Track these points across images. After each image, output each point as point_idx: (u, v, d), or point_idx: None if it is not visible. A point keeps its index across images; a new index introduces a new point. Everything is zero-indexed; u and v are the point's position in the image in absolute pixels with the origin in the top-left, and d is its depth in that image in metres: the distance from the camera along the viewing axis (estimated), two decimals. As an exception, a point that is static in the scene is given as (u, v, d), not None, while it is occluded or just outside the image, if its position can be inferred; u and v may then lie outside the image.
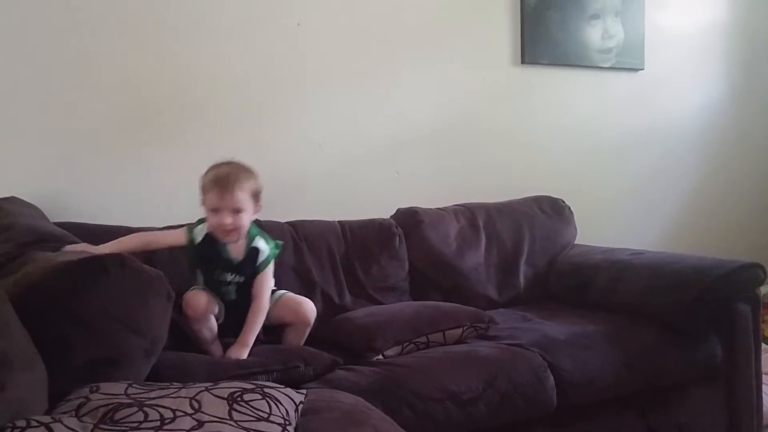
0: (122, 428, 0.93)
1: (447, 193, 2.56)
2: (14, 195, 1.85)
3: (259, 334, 1.75)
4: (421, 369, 1.66)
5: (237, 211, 1.68)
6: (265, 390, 1.12)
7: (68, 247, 1.56)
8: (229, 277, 1.74)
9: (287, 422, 1.07)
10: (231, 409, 1.03)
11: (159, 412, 0.96)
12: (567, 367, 1.79)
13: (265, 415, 1.05)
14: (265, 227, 1.90)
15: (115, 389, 1.04)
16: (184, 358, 1.55)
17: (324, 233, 2.18)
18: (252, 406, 1.05)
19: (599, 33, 2.90)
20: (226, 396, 1.06)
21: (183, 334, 1.68)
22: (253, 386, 1.12)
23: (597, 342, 1.90)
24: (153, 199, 2.14)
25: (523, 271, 2.43)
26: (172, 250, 1.86)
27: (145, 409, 0.97)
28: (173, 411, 0.97)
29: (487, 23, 2.72)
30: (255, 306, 1.73)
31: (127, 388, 1.05)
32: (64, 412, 0.97)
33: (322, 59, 2.41)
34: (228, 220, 1.67)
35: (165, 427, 0.94)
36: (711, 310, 1.96)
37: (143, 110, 2.15)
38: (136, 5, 2.11)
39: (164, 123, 2.19)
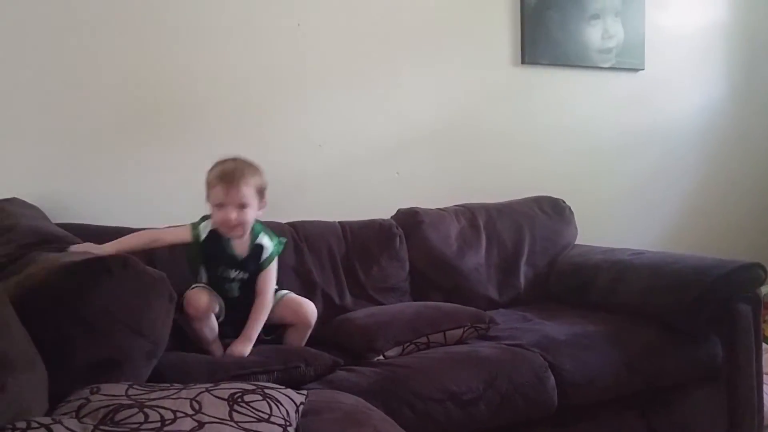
0: (123, 429, 0.93)
1: (447, 193, 2.56)
2: (15, 196, 1.85)
3: (260, 334, 1.76)
4: (421, 369, 1.66)
5: (242, 206, 1.69)
6: (266, 391, 1.12)
7: (73, 247, 1.56)
8: (233, 273, 1.74)
9: (288, 423, 1.06)
10: (231, 410, 1.03)
11: (159, 413, 0.96)
12: (567, 368, 1.79)
13: (266, 416, 1.05)
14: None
15: (115, 390, 1.04)
16: (184, 358, 1.56)
17: (324, 234, 2.18)
18: (252, 407, 1.05)
19: (599, 33, 2.90)
20: (226, 397, 1.06)
21: (184, 335, 1.68)
22: (254, 387, 1.12)
23: (597, 342, 1.90)
24: (153, 200, 2.14)
25: (523, 272, 2.43)
26: (173, 251, 1.86)
27: (145, 410, 0.97)
28: (174, 412, 0.97)
29: (487, 23, 2.72)
30: (259, 302, 1.74)
31: (127, 389, 1.05)
32: (65, 413, 0.97)
33: (322, 59, 2.41)
34: (233, 215, 1.68)
35: (165, 428, 0.94)
36: (711, 310, 1.96)
37: (143, 110, 2.15)
38: (136, 6, 2.11)
39: (164, 123, 2.18)
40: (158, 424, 0.94)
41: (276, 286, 1.83)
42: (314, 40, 2.38)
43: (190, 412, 0.99)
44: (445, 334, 1.85)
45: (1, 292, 1.04)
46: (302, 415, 1.16)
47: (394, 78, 2.54)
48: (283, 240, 1.86)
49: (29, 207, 1.81)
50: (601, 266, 2.27)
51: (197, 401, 1.02)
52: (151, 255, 1.78)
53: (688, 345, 1.99)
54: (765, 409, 2.11)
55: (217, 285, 1.74)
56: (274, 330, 1.80)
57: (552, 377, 1.76)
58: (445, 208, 2.44)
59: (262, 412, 1.05)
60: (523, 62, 2.77)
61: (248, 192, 1.69)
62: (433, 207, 2.41)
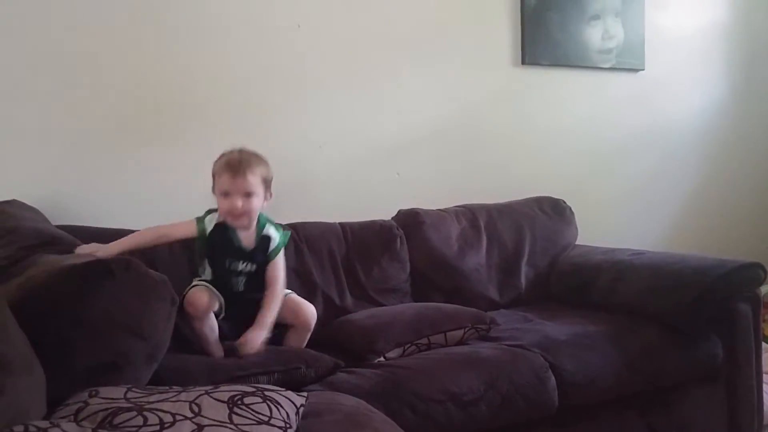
0: (121, 433, 0.93)
1: (448, 194, 2.56)
2: (15, 198, 1.84)
3: None
4: (422, 370, 1.66)
5: (248, 194, 1.69)
6: (266, 393, 1.12)
7: (79, 249, 1.56)
8: (241, 265, 1.74)
9: (288, 425, 1.06)
10: (231, 412, 1.02)
11: (158, 416, 0.96)
12: (568, 368, 1.79)
13: (266, 419, 1.04)
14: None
15: (114, 393, 1.04)
16: (184, 360, 1.55)
17: (325, 235, 2.18)
18: (252, 410, 1.05)
19: (599, 34, 2.90)
20: (226, 399, 1.05)
21: (183, 336, 1.68)
22: (254, 389, 1.12)
23: (598, 342, 1.90)
24: (154, 200, 2.13)
25: (524, 272, 2.43)
26: (173, 252, 1.87)
27: (144, 413, 0.96)
28: (173, 415, 0.97)
29: (488, 24, 2.71)
30: (270, 291, 1.74)
31: (126, 392, 1.05)
32: (63, 417, 0.97)
33: (322, 60, 2.40)
34: (239, 203, 1.68)
35: (164, 431, 0.93)
36: (711, 310, 1.96)
37: (143, 111, 2.14)
38: (136, 6, 2.11)
39: (164, 123, 2.18)
40: (157, 427, 0.94)
41: None
42: (314, 41, 2.38)
43: (190, 414, 0.99)
44: (446, 335, 1.85)
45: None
46: (302, 417, 1.15)
47: (394, 79, 2.54)
48: (288, 232, 1.86)
49: (29, 209, 1.81)
50: (601, 266, 2.27)
51: (197, 404, 1.02)
52: (152, 257, 1.78)
53: (689, 345, 1.99)
54: (765, 408, 2.11)
55: (223, 279, 1.74)
56: (274, 328, 1.80)
57: (552, 378, 1.76)
58: (446, 208, 2.44)
59: (262, 415, 1.05)
60: (523, 63, 2.76)
61: (254, 181, 1.70)
62: (434, 208, 2.41)
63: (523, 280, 2.41)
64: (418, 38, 2.57)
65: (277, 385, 1.28)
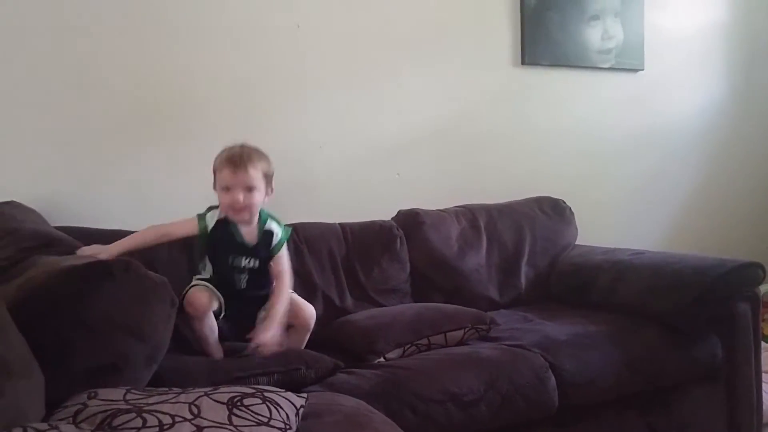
0: (121, 434, 0.93)
1: (448, 194, 2.56)
2: (14, 199, 1.84)
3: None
4: (422, 371, 1.66)
5: (250, 189, 1.69)
6: (265, 394, 1.11)
7: (80, 250, 1.55)
8: (244, 261, 1.73)
9: (288, 426, 1.06)
10: (231, 413, 1.02)
11: (158, 418, 0.96)
12: (568, 368, 1.79)
13: (266, 420, 1.04)
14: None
15: (113, 395, 1.04)
16: (184, 361, 1.55)
17: (325, 235, 2.18)
18: (252, 411, 1.05)
19: (599, 34, 2.90)
20: (225, 401, 1.05)
21: (183, 338, 1.68)
22: (253, 390, 1.12)
23: (598, 342, 1.90)
24: (154, 201, 2.13)
25: (524, 272, 2.42)
26: (172, 253, 1.87)
27: (143, 414, 0.96)
28: (172, 416, 0.97)
29: (487, 24, 2.71)
30: (279, 284, 1.75)
31: (125, 394, 1.05)
32: (62, 419, 0.97)
33: (322, 60, 2.40)
34: (240, 197, 1.68)
35: (164, 433, 0.93)
36: (711, 310, 1.96)
37: (142, 111, 2.14)
38: (136, 6, 2.11)
39: (164, 124, 2.18)
40: (156, 429, 0.94)
41: None
42: (314, 41, 2.38)
43: (189, 416, 0.98)
44: (446, 335, 1.85)
45: (-1, 298, 1.04)
46: (302, 418, 1.15)
47: (394, 79, 2.54)
48: (290, 228, 1.86)
49: (28, 210, 1.80)
50: (601, 266, 2.27)
51: (196, 405, 1.02)
52: (152, 258, 1.78)
53: (688, 344, 1.99)
54: (764, 407, 2.11)
55: (225, 276, 1.73)
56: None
57: (552, 378, 1.75)
58: (446, 209, 2.44)
59: (262, 416, 1.05)
60: (523, 63, 2.76)
61: (256, 175, 1.70)
62: (434, 208, 2.41)
63: (523, 280, 2.41)
64: (418, 38, 2.57)
65: (276, 386, 1.28)
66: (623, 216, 3.05)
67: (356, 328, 1.88)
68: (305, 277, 2.08)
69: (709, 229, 3.27)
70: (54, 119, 2.02)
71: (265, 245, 1.76)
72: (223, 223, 1.73)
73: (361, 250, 2.20)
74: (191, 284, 1.71)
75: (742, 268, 2.00)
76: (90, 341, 1.18)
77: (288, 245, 1.84)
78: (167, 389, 1.11)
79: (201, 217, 1.74)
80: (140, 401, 1.02)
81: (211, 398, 1.05)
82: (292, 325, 1.79)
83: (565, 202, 2.61)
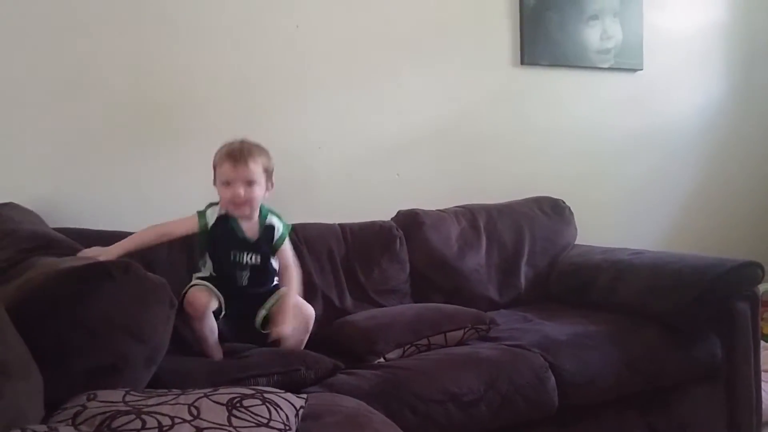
0: (120, 436, 0.92)
1: (447, 194, 2.56)
2: (12, 200, 1.84)
3: (258, 329, 1.77)
4: (422, 371, 1.66)
5: (250, 183, 1.70)
6: (265, 395, 1.11)
7: (81, 253, 1.55)
8: (246, 257, 1.74)
9: (287, 427, 1.06)
10: (230, 415, 1.02)
11: (157, 420, 0.96)
12: (568, 368, 1.79)
13: (265, 421, 1.04)
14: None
15: (112, 397, 1.04)
16: (183, 362, 1.55)
17: (324, 236, 2.18)
18: (251, 412, 1.05)
19: (598, 34, 2.90)
20: (225, 402, 1.05)
21: (182, 339, 1.68)
22: (253, 391, 1.12)
23: (598, 342, 1.90)
24: (154, 201, 2.13)
25: (523, 272, 2.42)
26: (171, 254, 1.86)
27: (143, 416, 0.96)
28: (171, 418, 0.97)
29: (487, 24, 2.71)
30: (288, 274, 1.78)
31: (125, 396, 1.05)
32: (61, 421, 0.97)
33: (321, 61, 2.40)
34: (241, 191, 1.68)
35: (164, 434, 0.93)
36: (711, 309, 1.97)
37: (142, 112, 2.14)
38: (137, 9, 2.11)
39: (163, 124, 2.18)
40: (156, 431, 0.94)
41: (278, 282, 1.83)
42: (313, 42, 2.38)
43: (189, 417, 0.98)
44: (445, 335, 1.85)
45: (-3, 300, 1.04)
46: (302, 419, 1.15)
47: (393, 79, 2.54)
48: (290, 225, 1.86)
49: (26, 212, 1.80)
50: (601, 266, 2.27)
51: (195, 407, 1.02)
52: (151, 259, 1.78)
53: (688, 344, 1.99)
54: (764, 406, 2.12)
55: (226, 273, 1.73)
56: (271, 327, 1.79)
57: (552, 378, 1.76)
58: (446, 209, 2.44)
59: (262, 417, 1.05)
60: (522, 63, 2.76)
61: (256, 169, 1.71)
62: (434, 208, 2.41)
63: (522, 280, 2.41)
64: (417, 39, 2.57)
65: (276, 387, 1.28)
66: (623, 216, 3.05)
67: (356, 328, 1.88)
68: (305, 278, 2.06)
69: (709, 228, 3.27)
70: (53, 119, 2.02)
71: (266, 240, 1.76)
72: (224, 219, 1.73)
73: (361, 251, 2.20)
74: (191, 284, 1.71)
75: (742, 268, 2.00)
76: (89, 342, 1.18)
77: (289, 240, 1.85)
78: (167, 390, 1.11)
79: (201, 214, 1.74)
80: (140, 403, 1.02)
81: (210, 399, 1.05)
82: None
83: (564, 202, 2.61)
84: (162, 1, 2.14)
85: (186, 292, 1.67)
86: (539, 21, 2.76)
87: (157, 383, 1.28)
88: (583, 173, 2.94)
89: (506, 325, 2.02)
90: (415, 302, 2.20)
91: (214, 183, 1.74)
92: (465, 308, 2.00)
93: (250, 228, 1.75)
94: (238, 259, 1.74)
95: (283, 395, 1.15)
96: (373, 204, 2.44)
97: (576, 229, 2.60)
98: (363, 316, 1.97)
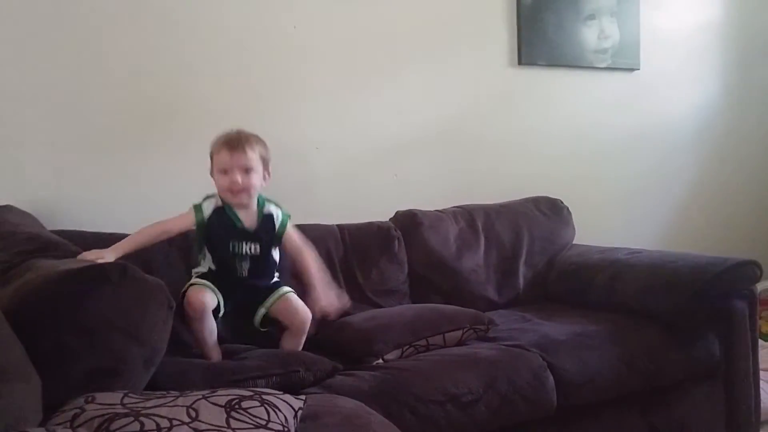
0: (118, 438, 0.92)
1: (445, 194, 2.56)
2: (9, 203, 1.84)
3: (256, 326, 1.77)
4: (421, 372, 1.66)
5: (247, 170, 1.70)
6: (264, 397, 1.11)
7: (80, 255, 1.55)
8: (245, 247, 1.73)
9: (286, 429, 1.06)
10: (229, 416, 1.02)
11: (155, 422, 0.96)
12: (567, 368, 1.79)
13: (264, 422, 1.04)
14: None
15: (110, 399, 1.04)
16: (181, 364, 1.55)
17: (323, 237, 2.17)
18: (250, 414, 1.05)
19: (595, 33, 2.91)
20: (223, 404, 1.05)
21: (181, 340, 1.67)
22: (251, 393, 1.12)
23: (597, 342, 1.90)
24: (153, 203, 2.12)
25: (522, 272, 2.43)
26: (169, 256, 1.86)
27: (141, 418, 0.96)
28: (170, 420, 0.97)
29: (484, 25, 2.72)
30: (304, 257, 1.82)
31: (123, 398, 1.05)
32: (59, 423, 0.97)
33: (319, 62, 2.40)
34: (238, 178, 1.68)
35: (162, 437, 0.93)
36: (709, 308, 1.97)
37: (140, 114, 2.13)
38: (135, 10, 2.10)
39: (162, 126, 2.17)
40: (154, 433, 0.94)
41: (278, 279, 1.83)
42: (310, 43, 2.38)
43: (187, 419, 0.98)
44: (444, 336, 1.85)
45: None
46: (301, 420, 1.15)
47: (390, 80, 2.54)
48: (288, 212, 1.86)
49: (24, 215, 1.80)
50: (599, 266, 2.27)
51: (194, 409, 1.02)
52: (149, 260, 1.78)
53: (686, 343, 1.99)
54: (762, 404, 2.12)
55: (226, 264, 1.73)
56: (270, 323, 1.79)
57: (551, 377, 1.76)
58: (444, 209, 2.44)
59: (260, 419, 1.05)
60: (519, 63, 2.77)
61: (253, 156, 1.71)
62: (432, 209, 2.41)
63: (521, 280, 2.41)
64: (415, 40, 2.57)
65: (275, 389, 1.28)
66: (621, 215, 3.05)
67: (355, 329, 1.88)
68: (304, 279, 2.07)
69: (706, 227, 3.28)
70: (52, 121, 2.02)
71: (265, 230, 1.76)
72: (221, 210, 1.73)
73: (359, 252, 2.20)
74: (190, 282, 1.70)
75: (739, 267, 2.00)
76: (87, 345, 1.18)
77: (281, 257, 1.85)
78: (165, 392, 1.11)
79: (197, 208, 1.74)
80: (138, 405, 1.02)
81: (209, 401, 1.05)
82: (287, 327, 1.79)
83: (562, 202, 2.61)
84: (162, 1, 2.14)
85: (186, 291, 1.66)
86: (536, 21, 2.77)
87: (155, 385, 1.28)
88: (581, 173, 2.94)
89: (505, 326, 2.02)
90: (414, 303, 2.20)
91: (211, 173, 1.74)
92: (463, 309, 1.99)
93: (248, 217, 1.75)
94: (237, 249, 1.73)
95: (281, 397, 1.15)
96: (371, 205, 2.44)
97: (574, 228, 2.60)
98: (361, 317, 1.96)
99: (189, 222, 1.73)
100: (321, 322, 1.83)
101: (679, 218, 3.24)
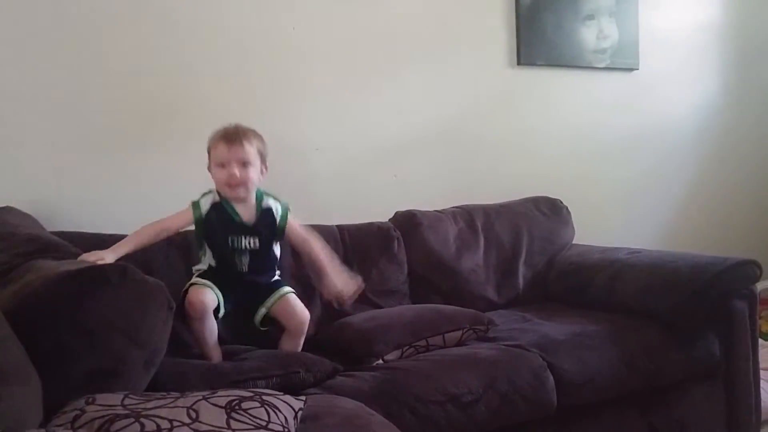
0: (119, 439, 0.92)
1: (445, 195, 2.56)
2: (9, 204, 1.84)
3: (256, 325, 1.77)
4: (421, 372, 1.66)
5: (245, 163, 1.70)
6: (264, 397, 1.11)
7: (81, 257, 1.55)
8: (244, 241, 1.73)
9: (286, 429, 1.06)
10: (229, 417, 1.02)
11: (156, 423, 0.96)
12: (567, 367, 1.79)
13: (264, 423, 1.04)
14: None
15: (111, 400, 1.04)
16: (182, 365, 1.55)
17: (322, 237, 2.17)
18: (250, 414, 1.05)
19: (594, 33, 2.91)
20: (223, 404, 1.05)
21: (181, 341, 1.67)
22: (252, 394, 1.12)
23: (596, 341, 1.90)
24: (153, 205, 2.09)
25: (522, 272, 2.43)
26: (169, 257, 1.86)
27: (141, 419, 0.96)
28: (170, 421, 0.97)
29: (483, 25, 2.72)
30: (311, 245, 1.82)
31: (123, 399, 1.05)
32: (60, 425, 0.97)
33: (317, 63, 2.40)
34: (236, 171, 1.68)
35: (162, 438, 0.93)
36: (708, 308, 1.97)
37: (140, 115, 2.13)
38: (135, 11, 2.11)
39: (162, 127, 2.17)
40: (155, 434, 0.94)
41: (279, 277, 1.83)
42: (309, 44, 2.38)
43: (187, 420, 0.98)
44: (444, 336, 1.85)
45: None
46: (301, 420, 1.15)
47: (390, 81, 2.54)
48: (286, 202, 1.85)
49: (24, 216, 1.80)
50: (599, 265, 2.27)
51: (194, 409, 1.02)
52: (149, 262, 1.78)
53: (686, 343, 1.99)
54: (763, 404, 2.12)
55: (226, 260, 1.73)
56: (270, 323, 1.79)
57: (551, 377, 1.76)
58: (443, 209, 2.44)
59: (260, 419, 1.05)
60: (518, 63, 2.77)
61: (251, 150, 1.71)
62: (431, 209, 2.41)
63: (521, 280, 2.41)
64: (414, 40, 2.57)
65: (275, 390, 1.28)
66: (620, 215, 3.06)
67: (355, 330, 1.88)
68: (304, 280, 2.07)
69: (706, 227, 3.28)
70: (52, 121, 2.02)
71: (265, 224, 1.76)
72: (219, 205, 1.73)
73: (359, 252, 2.20)
74: (191, 282, 1.70)
75: (739, 266, 2.00)
76: (88, 346, 1.18)
77: (280, 258, 1.84)
78: (165, 393, 1.11)
79: (195, 204, 1.74)
80: (138, 406, 1.02)
81: (209, 402, 1.05)
82: (284, 327, 1.79)
83: (562, 202, 2.61)
84: (162, 2, 2.15)
85: (187, 290, 1.66)
86: (535, 21, 2.77)
87: (155, 386, 1.28)
88: (580, 173, 2.94)
89: (505, 326, 2.02)
90: (414, 303, 2.20)
91: (209, 168, 1.74)
92: (463, 309, 2.00)
93: (246, 211, 1.75)
94: (236, 244, 1.73)
95: (281, 397, 1.15)
96: (370, 205, 2.44)
97: (574, 228, 2.60)
98: (361, 317, 1.97)
99: (187, 219, 1.73)
100: (322, 321, 1.84)
101: (679, 218, 3.24)
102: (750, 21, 3.39)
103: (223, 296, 1.70)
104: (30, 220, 1.80)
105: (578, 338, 1.90)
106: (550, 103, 2.88)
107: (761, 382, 2.12)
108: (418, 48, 2.58)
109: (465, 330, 1.89)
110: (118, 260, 1.57)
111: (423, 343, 1.82)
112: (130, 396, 1.07)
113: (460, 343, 1.87)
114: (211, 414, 1.02)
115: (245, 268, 1.74)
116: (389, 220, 2.36)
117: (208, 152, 1.76)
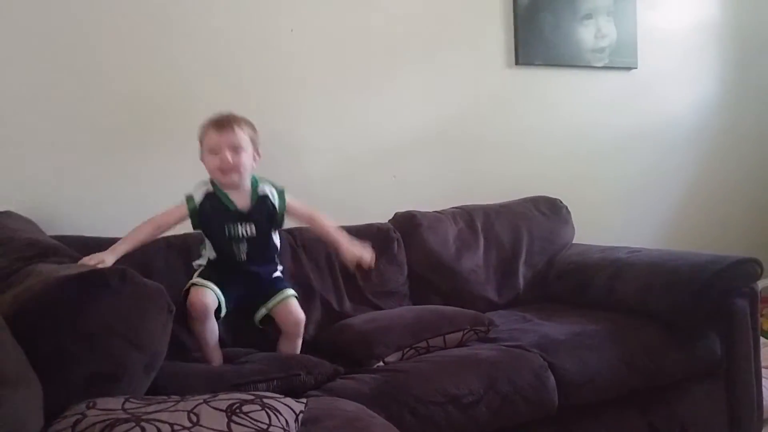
0: (120, 444, 0.92)
1: (444, 195, 2.56)
2: (8, 209, 1.84)
3: (255, 324, 1.77)
4: (422, 374, 1.65)
5: (237, 149, 1.70)
6: (264, 400, 1.11)
7: (81, 261, 1.55)
8: (240, 228, 1.72)
9: (287, 432, 1.06)
10: (230, 421, 1.02)
11: (157, 427, 0.95)
12: (567, 367, 1.79)
13: (265, 426, 1.04)
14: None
15: (111, 404, 1.03)
16: (182, 368, 1.55)
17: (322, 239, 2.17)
18: (251, 418, 1.05)
19: (592, 33, 2.91)
20: (224, 408, 1.05)
21: (181, 344, 1.67)
22: (252, 397, 1.12)
23: (597, 341, 1.90)
24: (153, 207, 2.11)
25: (522, 272, 2.42)
26: (169, 259, 1.86)
27: (142, 424, 0.96)
28: (171, 425, 0.96)
29: (481, 26, 2.72)
30: (317, 220, 1.85)
31: (124, 403, 1.04)
32: (60, 430, 0.96)
33: (316, 64, 2.41)
34: (228, 156, 1.68)
35: (163, 441, 0.93)
36: (709, 306, 1.96)
37: (139, 118, 2.13)
38: (133, 12, 2.11)
39: (161, 128, 2.17)
40: (156, 438, 0.94)
41: (281, 275, 1.83)
42: (308, 45, 2.39)
43: (188, 424, 0.98)
44: (444, 337, 1.85)
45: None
46: (302, 423, 1.15)
47: (388, 82, 2.54)
48: (282, 187, 1.84)
49: (24, 220, 1.80)
50: (599, 265, 2.27)
51: (195, 413, 1.02)
52: (148, 264, 1.78)
53: (687, 341, 1.99)
54: (765, 402, 2.12)
55: (224, 250, 1.73)
56: (268, 321, 1.79)
57: (552, 377, 1.75)
58: (443, 210, 2.44)
59: (261, 423, 1.04)
60: (517, 63, 2.77)
61: (242, 135, 1.71)
62: (430, 210, 2.41)
63: (521, 280, 2.41)
64: (412, 41, 2.57)
65: (276, 392, 1.28)
66: (620, 214, 3.06)
67: (355, 332, 1.88)
68: (303, 282, 2.07)
69: (706, 225, 3.28)
70: (52, 121, 2.01)
71: (260, 210, 1.75)
72: (212, 195, 1.73)
73: (359, 253, 2.20)
74: (191, 282, 1.70)
75: (739, 264, 2.00)
76: (88, 350, 1.18)
77: (283, 249, 1.84)
78: (166, 397, 1.10)
79: (189, 198, 1.73)
80: (139, 410, 1.02)
81: (210, 405, 1.05)
82: (281, 329, 1.78)
83: (561, 202, 2.61)
84: (159, 3, 2.15)
85: (189, 290, 1.66)
86: (533, 21, 2.77)
87: (156, 390, 1.28)
88: (579, 172, 2.94)
89: (505, 326, 2.02)
90: (414, 304, 2.20)
91: (202, 159, 1.74)
92: (463, 310, 1.99)
93: (240, 199, 1.74)
94: (232, 232, 1.72)
95: (282, 400, 1.15)
96: (369, 206, 2.44)
97: (573, 228, 2.60)
98: (362, 319, 1.97)
99: (182, 212, 1.73)
100: (322, 323, 1.83)
101: (679, 216, 3.24)
102: (748, 20, 3.39)
103: (225, 293, 1.69)
104: (29, 224, 1.80)
105: (578, 338, 1.90)
106: (548, 103, 2.88)
107: (763, 380, 2.11)
108: (417, 48, 2.59)
109: (466, 331, 1.88)
110: (118, 262, 1.57)
111: (424, 344, 1.82)
112: (131, 400, 1.07)
113: (460, 344, 1.87)
114: (212, 417, 1.01)
115: (244, 257, 1.74)
116: (389, 221, 2.36)
117: (200, 142, 1.75)
